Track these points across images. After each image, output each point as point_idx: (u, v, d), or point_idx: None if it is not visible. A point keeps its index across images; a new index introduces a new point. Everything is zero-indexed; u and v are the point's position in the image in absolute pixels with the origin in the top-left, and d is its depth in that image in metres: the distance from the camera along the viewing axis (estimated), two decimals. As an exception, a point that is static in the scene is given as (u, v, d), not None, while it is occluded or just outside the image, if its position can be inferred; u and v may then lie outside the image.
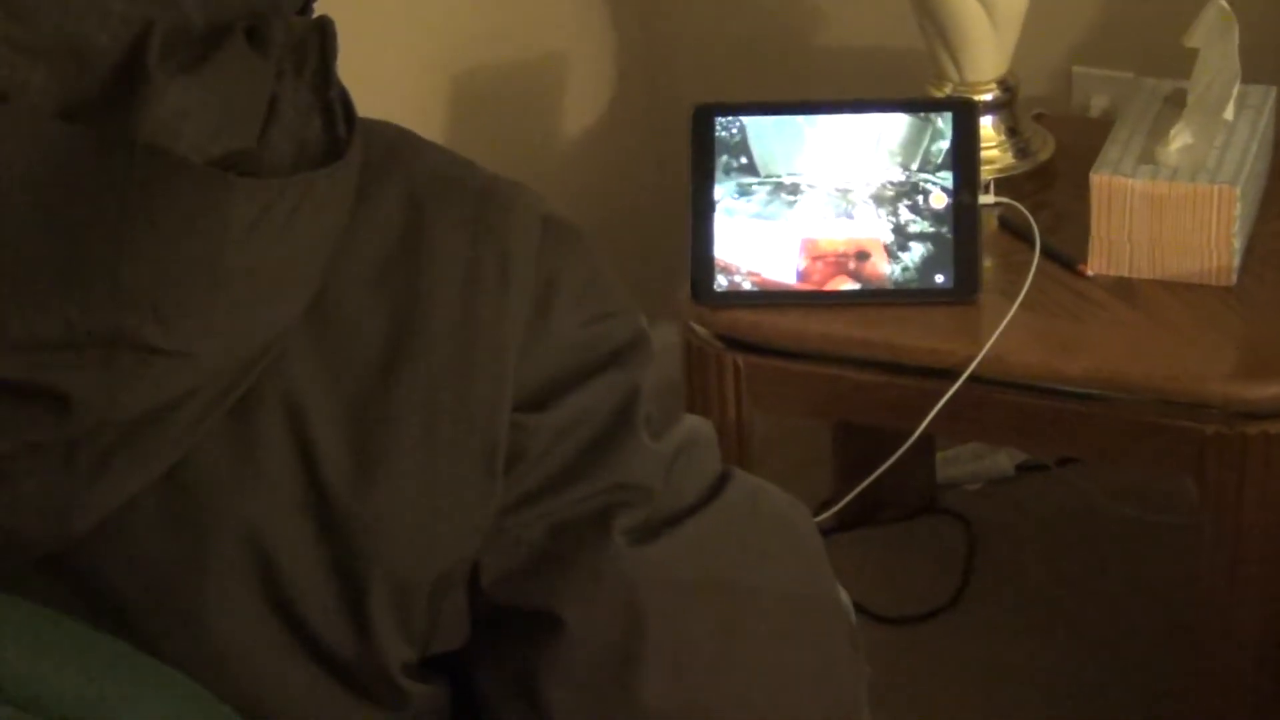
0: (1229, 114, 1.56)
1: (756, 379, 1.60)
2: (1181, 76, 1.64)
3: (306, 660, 0.78)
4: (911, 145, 1.58)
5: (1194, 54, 1.60)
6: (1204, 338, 1.50)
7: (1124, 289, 1.56)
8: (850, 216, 1.57)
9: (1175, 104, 1.62)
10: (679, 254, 1.63)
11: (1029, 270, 1.56)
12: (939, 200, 1.57)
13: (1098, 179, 1.55)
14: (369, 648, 0.78)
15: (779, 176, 1.58)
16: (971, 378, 1.51)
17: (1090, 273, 1.57)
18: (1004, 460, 2.11)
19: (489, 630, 0.82)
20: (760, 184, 1.58)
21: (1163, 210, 1.54)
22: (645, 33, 2.20)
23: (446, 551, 0.78)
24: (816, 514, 1.58)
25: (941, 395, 1.51)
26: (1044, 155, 1.75)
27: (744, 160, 1.59)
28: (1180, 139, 1.56)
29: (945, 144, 1.57)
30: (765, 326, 1.58)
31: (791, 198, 1.58)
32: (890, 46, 1.98)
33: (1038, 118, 1.82)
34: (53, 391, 0.68)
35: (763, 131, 1.59)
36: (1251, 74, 1.61)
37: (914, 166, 1.57)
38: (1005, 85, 1.73)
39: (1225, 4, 1.56)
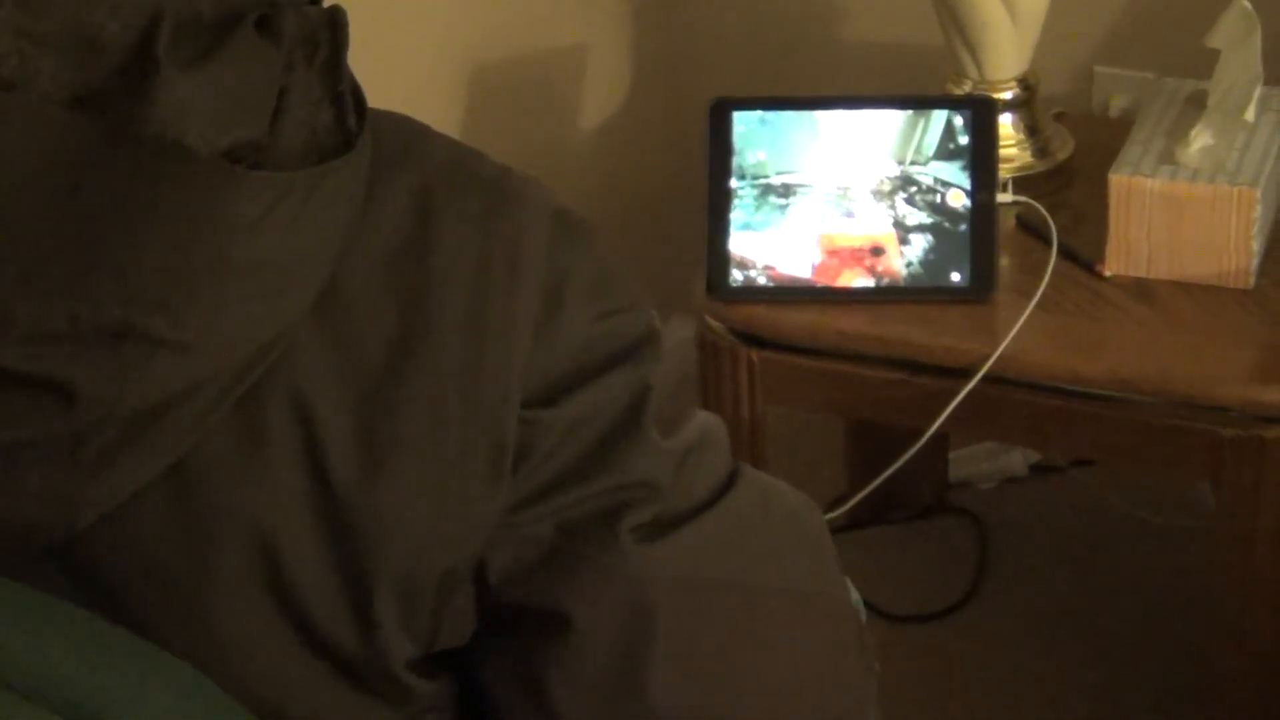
0: (1250, 116, 1.55)
1: (771, 374, 1.60)
2: (1203, 77, 1.63)
3: (310, 655, 0.77)
4: (930, 143, 1.57)
5: (1215, 55, 1.59)
6: (1222, 340, 1.49)
7: (1142, 290, 1.55)
8: (867, 213, 1.57)
9: (1196, 105, 1.61)
10: (695, 248, 1.62)
11: (1046, 270, 1.55)
12: (956, 198, 1.56)
13: (1117, 179, 1.54)
14: (373, 643, 0.77)
15: (796, 172, 1.58)
16: (987, 377, 1.50)
17: (1108, 273, 1.56)
18: (1017, 460, 2.10)
19: (495, 627, 0.82)
20: (777, 179, 1.58)
21: (1182, 211, 1.53)
22: (665, 26, 2.19)
23: (453, 547, 0.78)
24: (828, 511, 1.58)
25: (956, 394, 1.51)
26: (1063, 155, 1.74)
27: (761, 155, 1.58)
28: (1200, 140, 1.55)
29: (964, 142, 1.56)
30: (781, 322, 1.57)
31: (808, 193, 1.57)
32: (910, 43, 1.98)
33: (1057, 117, 1.81)
34: (59, 383, 0.68)
35: (781, 126, 1.59)
36: (1273, 76, 1.61)
37: (932, 164, 1.56)
38: (1025, 84, 1.72)
39: (1248, 5, 1.55)
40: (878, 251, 1.56)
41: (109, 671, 0.69)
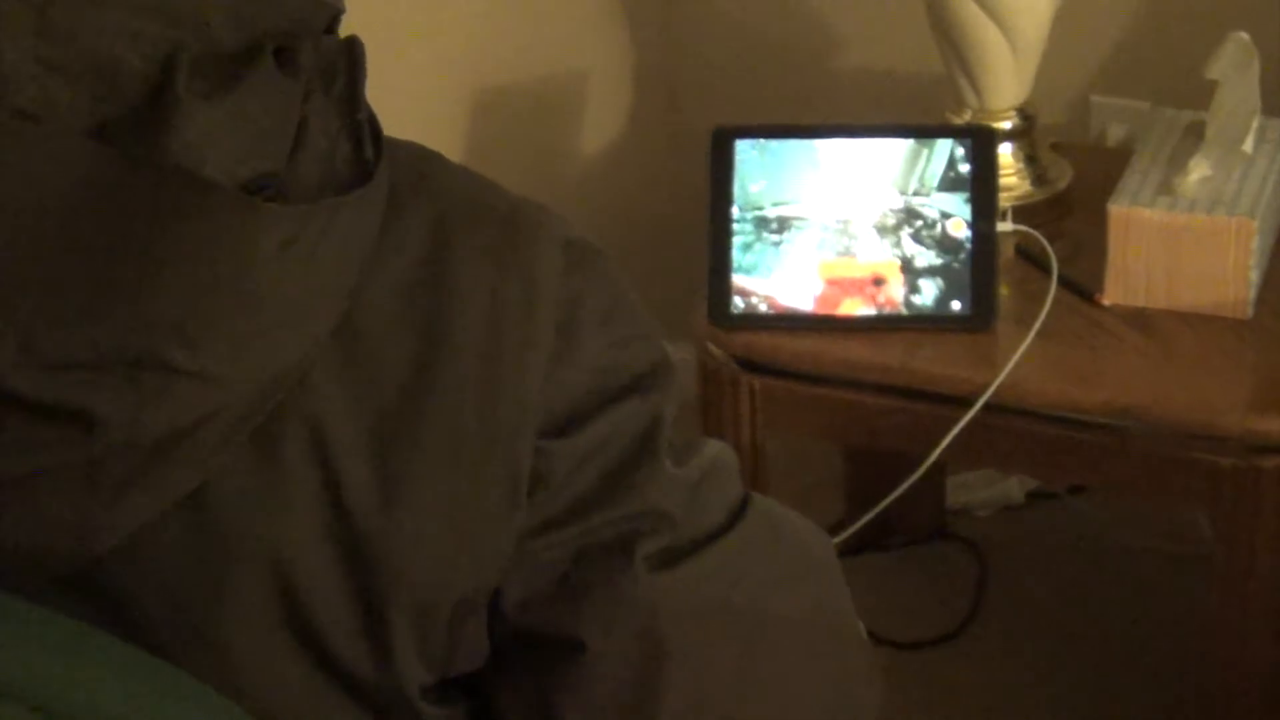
0: (1248, 147, 1.56)
1: (771, 401, 1.60)
2: (1200, 108, 1.64)
3: (326, 681, 0.77)
4: (931, 171, 1.58)
5: (1213, 85, 1.60)
6: (1220, 370, 1.50)
7: (1140, 319, 1.56)
8: (867, 241, 1.58)
9: (1194, 135, 1.62)
10: (695, 275, 1.63)
11: (1045, 299, 1.56)
12: (956, 227, 1.57)
13: (1116, 209, 1.55)
14: (388, 670, 0.78)
15: (797, 200, 1.59)
16: (986, 405, 1.51)
17: (1107, 302, 1.57)
18: (1014, 488, 2.11)
19: (509, 654, 0.82)
20: (778, 208, 1.59)
21: (1180, 242, 1.54)
22: (666, 54, 2.20)
23: (468, 576, 0.78)
24: (828, 538, 1.58)
25: (955, 422, 1.51)
26: (1061, 184, 1.75)
27: (762, 183, 1.59)
28: (1199, 171, 1.56)
29: (963, 171, 1.57)
30: (781, 349, 1.58)
31: (809, 222, 1.58)
32: (910, 72, 1.99)
33: (1055, 146, 1.82)
34: (79, 411, 0.68)
35: (782, 155, 1.60)
36: (1271, 107, 1.62)
37: (932, 192, 1.57)
38: (1024, 113, 1.73)
39: (1246, 37, 1.56)
40: (879, 281, 1.57)
41: (148, 698, 0.69)
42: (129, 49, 0.70)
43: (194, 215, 0.69)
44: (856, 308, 1.57)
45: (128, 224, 0.68)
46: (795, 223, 1.58)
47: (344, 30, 0.80)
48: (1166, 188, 1.56)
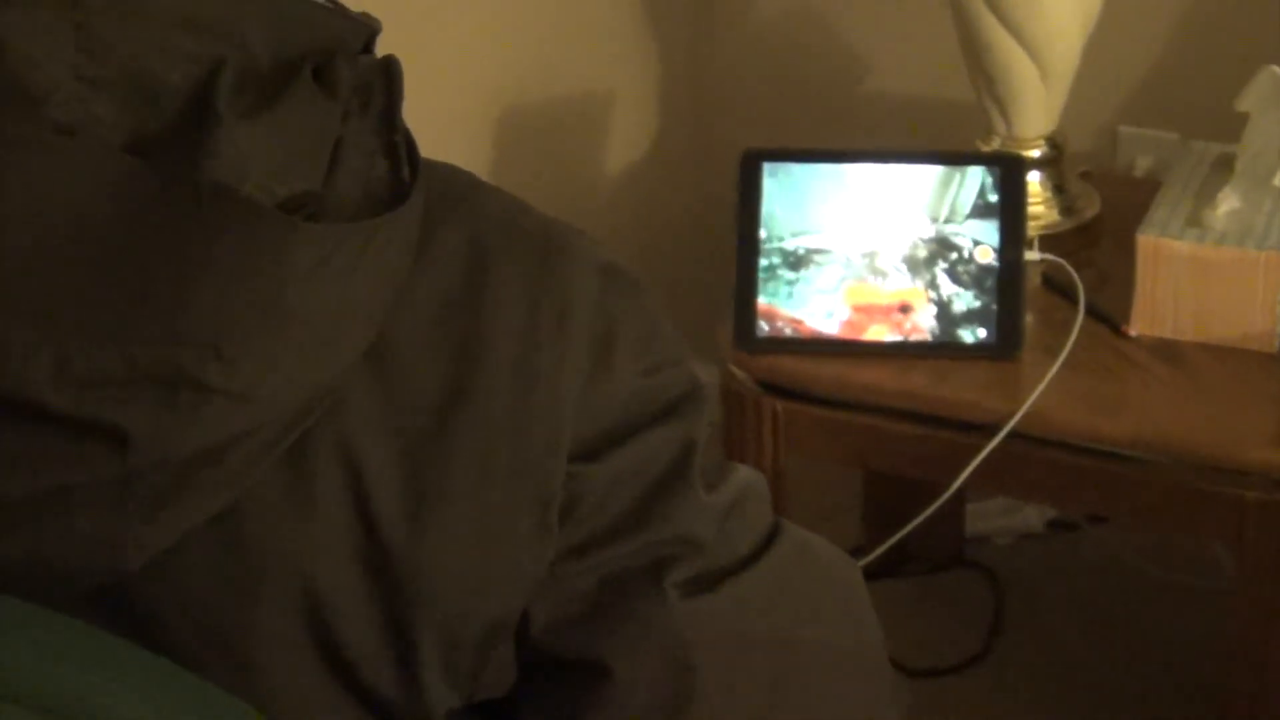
0: (1279, 180, 1.56)
1: (794, 425, 1.60)
2: (1227, 140, 1.64)
3: (352, 702, 0.77)
4: (958, 198, 1.57)
5: (1240, 118, 1.60)
6: (1246, 403, 1.49)
7: (1167, 351, 1.55)
8: (894, 267, 1.57)
9: (1223, 168, 1.62)
10: (719, 297, 1.63)
11: (1071, 328, 1.56)
12: (984, 255, 1.56)
13: (1144, 240, 1.54)
14: (414, 692, 0.77)
15: (824, 224, 1.58)
16: (1010, 434, 1.50)
17: (1133, 333, 1.57)
18: (1033, 516, 2.10)
19: (536, 678, 0.82)
20: (805, 232, 1.58)
21: (1208, 274, 1.53)
22: (693, 76, 2.21)
23: (497, 599, 0.78)
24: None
25: (978, 450, 1.51)
26: (1089, 213, 1.75)
27: (790, 207, 1.59)
28: (1228, 203, 1.56)
29: (992, 198, 1.57)
30: (806, 374, 1.58)
31: (836, 247, 1.58)
32: (939, 98, 1.99)
33: (1083, 175, 1.82)
34: (112, 428, 0.68)
35: (810, 178, 1.59)
36: (1302, 141, 1.61)
37: (960, 220, 1.57)
38: (1053, 142, 1.73)
39: (1278, 70, 1.56)
40: (905, 308, 1.57)
41: (175, 709, 0.69)
42: (169, 66, 0.70)
43: (232, 233, 0.68)
44: (882, 334, 1.57)
45: (165, 240, 0.68)
46: (822, 247, 1.58)
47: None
48: (1195, 220, 1.56)
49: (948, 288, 1.56)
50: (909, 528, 1.61)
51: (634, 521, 0.80)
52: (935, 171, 1.58)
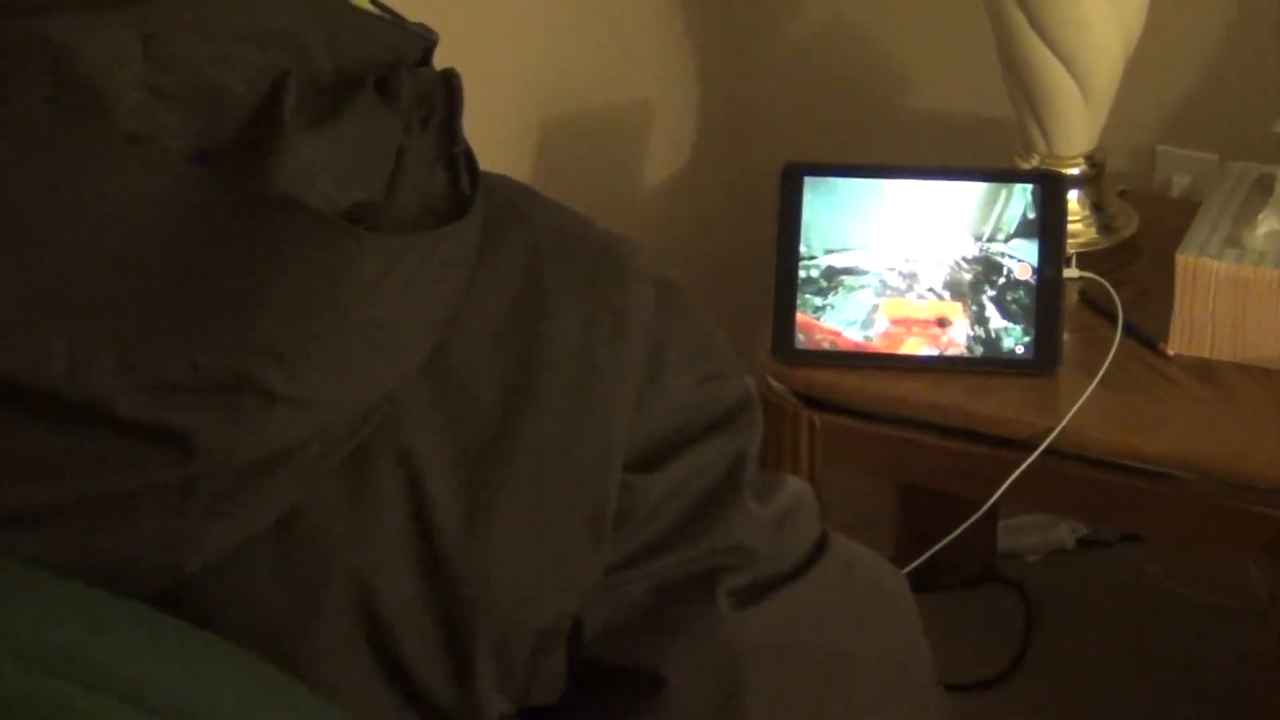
0: (1318, 202, 1.56)
1: (830, 438, 1.61)
2: (1265, 161, 1.64)
3: (406, 706, 0.78)
4: (998, 215, 1.58)
5: (1282, 140, 1.60)
6: (1283, 424, 1.50)
7: (1204, 370, 1.56)
8: (933, 282, 1.58)
9: (1263, 189, 1.62)
10: (756, 307, 1.63)
11: (1108, 346, 1.56)
12: (1023, 272, 1.57)
13: (1183, 260, 1.55)
14: (469, 699, 0.78)
15: (864, 238, 1.59)
16: (1046, 450, 1.51)
17: (1171, 352, 1.57)
18: (1065, 533, 2.10)
19: (587, 685, 0.83)
20: (845, 245, 1.59)
21: (1247, 294, 1.54)
22: (732, 89, 2.21)
23: (551, 607, 0.79)
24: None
25: (1014, 465, 1.51)
26: (1127, 232, 1.75)
27: (830, 220, 1.60)
28: (1267, 224, 1.56)
29: (1031, 215, 1.58)
30: (843, 386, 1.59)
31: (875, 260, 1.59)
32: (977, 115, 1.99)
33: (1121, 194, 1.82)
34: (177, 433, 0.68)
35: (850, 192, 1.60)
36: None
37: (1000, 236, 1.58)
38: (1093, 160, 1.73)
39: (1319, 92, 1.56)
40: (943, 322, 1.57)
41: (269, 707, 0.69)
42: (235, 77, 0.71)
43: (296, 242, 0.69)
44: (919, 348, 1.57)
45: (230, 249, 0.69)
46: (861, 261, 1.59)
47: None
48: (1235, 240, 1.56)
49: (986, 303, 1.57)
50: (943, 542, 1.61)
51: (687, 532, 0.81)
52: (976, 188, 1.59)
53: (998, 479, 1.53)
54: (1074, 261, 1.63)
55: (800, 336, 1.58)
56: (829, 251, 1.59)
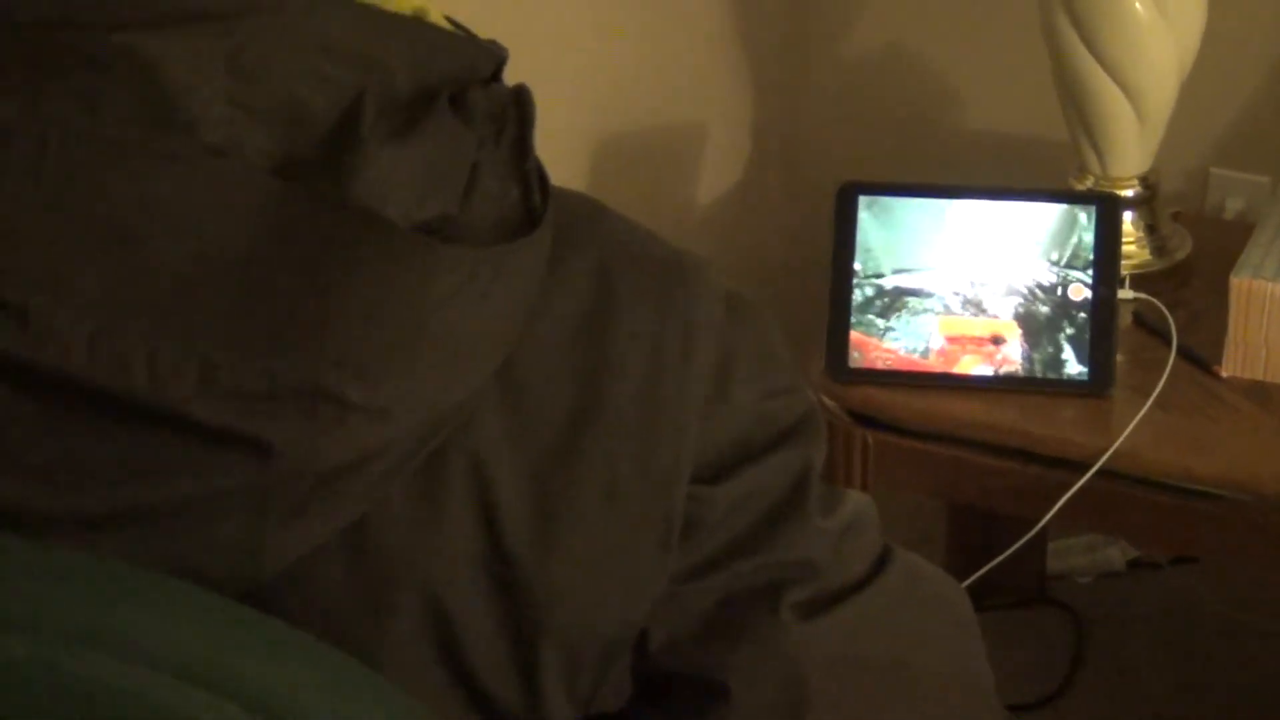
0: (1373, 225, 1.56)
1: (883, 456, 1.61)
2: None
3: (472, 712, 0.79)
4: (1053, 235, 1.58)
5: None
6: (1337, 446, 1.50)
7: (1258, 392, 1.56)
8: (987, 302, 1.58)
9: (1317, 212, 1.62)
10: (808, 325, 1.64)
11: (1162, 367, 1.56)
12: (1077, 292, 1.57)
13: (1238, 282, 1.55)
14: (535, 706, 0.79)
15: (919, 257, 1.60)
16: (1099, 471, 1.51)
17: (1225, 374, 1.57)
18: (1115, 555, 2.10)
19: (651, 694, 0.84)
20: (900, 264, 1.60)
21: (1302, 317, 1.54)
22: (785, 109, 2.22)
23: (618, 616, 0.80)
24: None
25: (1067, 486, 1.52)
26: (1181, 254, 1.75)
27: (884, 239, 1.60)
28: (1322, 247, 1.56)
29: (1086, 236, 1.58)
30: (896, 405, 1.59)
31: (930, 279, 1.59)
32: (1030, 136, 2.00)
33: (1175, 216, 1.82)
34: (256, 440, 0.69)
35: (904, 212, 1.61)
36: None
37: (1054, 257, 1.58)
38: (1147, 182, 1.73)
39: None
40: (997, 340, 1.58)
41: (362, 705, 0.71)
42: (315, 91, 0.72)
43: (374, 254, 0.70)
44: (974, 366, 1.58)
45: (309, 260, 0.70)
46: (915, 280, 1.59)
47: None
48: (1290, 263, 1.56)
49: (1041, 323, 1.57)
50: (995, 562, 1.61)
51: (752, 544, 0.82)
52: (1031, 208, 1.59)
53: (1050, 499, 1.53)
54: (1128, 283, 1.63)
55: (854, 355, 1.59)
56: (883, 269, 1.60)
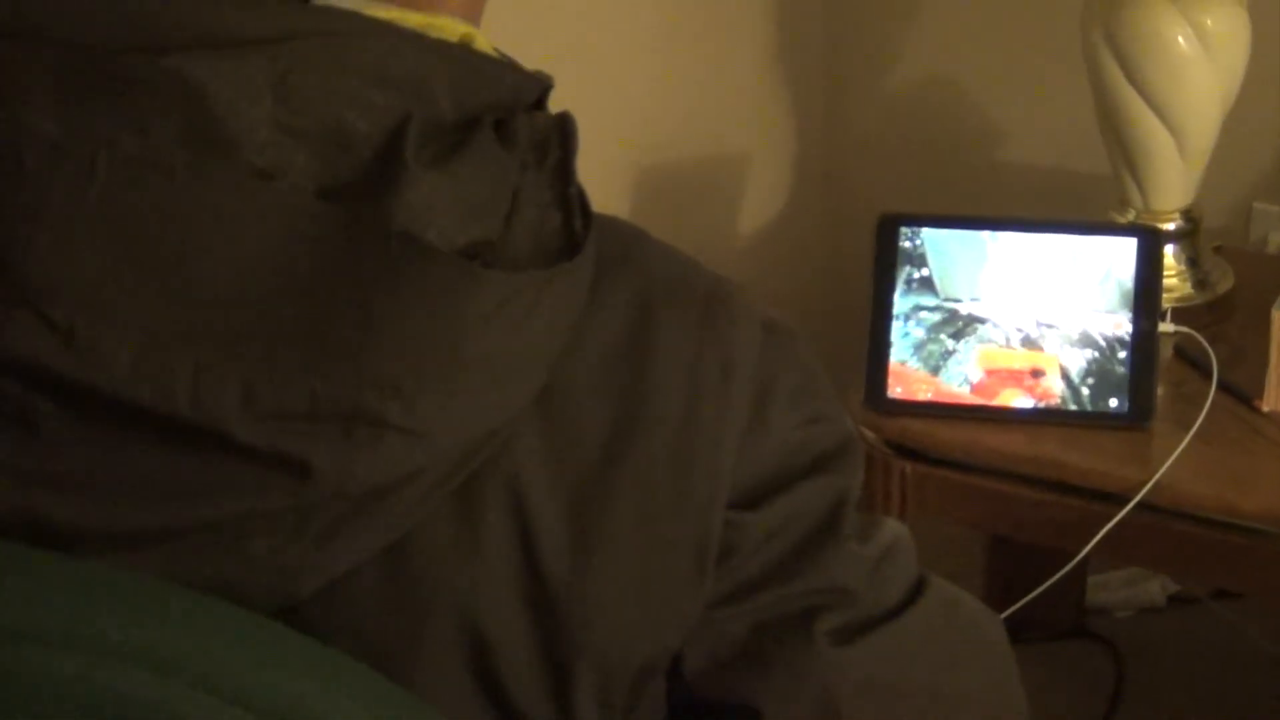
0: None
1: (922, 488, 1.61)
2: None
3: None
4: (1094, 268, 1.58)
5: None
6: (1379, 482, 1.49)
7: (1299, 427, 1.55)
8: (1028, 334, 1.58)
9: (1361, 247, 1.62)
10: (846, 358, 1.64)
11: (1202, 400, 1.55)
12: (1118, 325, 1.57)
13: (1279, 316, 1.54)
14: None
15: (959, 289, 1.60)
16: (1139, 504, 1.50)
17: (1266, 409, 1.56)
18: (1155, 590, 2.09)
19: (685, 718, 0.84)
20: (940, 295, 1.60)
21: (1343, 352, 1.53)
22: (826, 141, 2.23)
23: (653, 640, 0.80)
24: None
25: (1107, 519, 1.51)
26: (1223, 288, 1.75)
27: (925, 271, 1.61)
28: (1365, 282, 1.56)
29: (1127, 269, 1.58)
30: (935, 437, 1.59)
31: (970, 311, 1.59)
32: (1072, 169, 2.00)
33: (1217, 250, 1.82)
34: (295, 460, 0.70)
35: (945, 244, 1.61)
36: None
37: (1095, 289, 1.58)
38: (1189, 216, 1.73)
39: None
40: (1037, 373, 1.57)
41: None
42: (360, 116, 0.73)
43: (416, 277, 0.71)
44: (1013, 399, 1.58)
45: (351, 283, 0.71)
46: (955, 311, 1.59)
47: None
48: (1332, 298, 1.55)
49: (1081, 355, 1.57)
50: (1033, 594, 1.60)
51: (788, 569, 0.82)
52: (1072, 240, 1.59)
53: (1090, 532, 1.52)
54: (1169, 316, 1.63)
55: (894, 386, 1.59)
56: (923, 301, 1.60)
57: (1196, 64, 1.64)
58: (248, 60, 0.71)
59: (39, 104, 0.69)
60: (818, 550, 0.83)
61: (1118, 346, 1.57)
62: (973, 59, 2.11)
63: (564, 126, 0.80)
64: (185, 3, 0.72)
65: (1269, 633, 1.97)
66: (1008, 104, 2.09)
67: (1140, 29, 1.63)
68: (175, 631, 0.68)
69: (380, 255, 0.71)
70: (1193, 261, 1.74)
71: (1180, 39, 1.62)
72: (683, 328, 0.80)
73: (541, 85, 0.82)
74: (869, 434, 1.62)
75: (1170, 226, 1.72)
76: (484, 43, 0.81)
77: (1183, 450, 1.51)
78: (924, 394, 1.59)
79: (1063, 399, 1.57)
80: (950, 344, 1.59)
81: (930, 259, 1.61)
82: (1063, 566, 1.55)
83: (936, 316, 1.59)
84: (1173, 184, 1.70)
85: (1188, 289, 1.73)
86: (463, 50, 0.78)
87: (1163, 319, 1.60)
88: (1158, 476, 1.49)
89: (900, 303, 1.60)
